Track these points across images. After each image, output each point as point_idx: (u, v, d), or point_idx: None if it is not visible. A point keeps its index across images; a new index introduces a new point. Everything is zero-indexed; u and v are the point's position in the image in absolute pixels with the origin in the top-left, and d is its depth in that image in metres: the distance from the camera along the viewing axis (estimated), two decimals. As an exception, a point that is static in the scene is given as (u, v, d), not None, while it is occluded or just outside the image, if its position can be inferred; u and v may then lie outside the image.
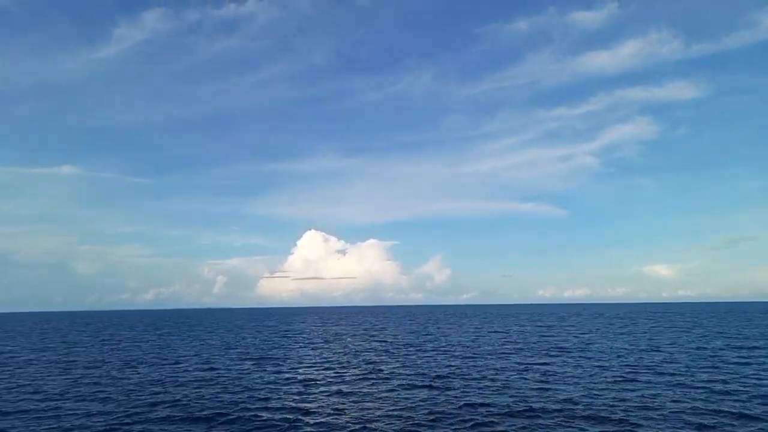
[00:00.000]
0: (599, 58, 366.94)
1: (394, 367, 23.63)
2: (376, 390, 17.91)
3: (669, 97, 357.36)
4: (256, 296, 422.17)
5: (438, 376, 20.50)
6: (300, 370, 23.33)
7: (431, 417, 13.73)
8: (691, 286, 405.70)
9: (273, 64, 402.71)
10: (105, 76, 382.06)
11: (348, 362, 26.26)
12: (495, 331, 50.84)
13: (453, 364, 24.71)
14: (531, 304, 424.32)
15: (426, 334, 47.80)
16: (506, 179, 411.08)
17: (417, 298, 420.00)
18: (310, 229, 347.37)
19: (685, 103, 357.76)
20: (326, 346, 37.19)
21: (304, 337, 47.26)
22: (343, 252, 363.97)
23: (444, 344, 36.31)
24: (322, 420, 13.74)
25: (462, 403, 15.43)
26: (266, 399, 16.87)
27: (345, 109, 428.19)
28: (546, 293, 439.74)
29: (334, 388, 18.57)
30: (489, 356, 27.77)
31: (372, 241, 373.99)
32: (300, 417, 14.12)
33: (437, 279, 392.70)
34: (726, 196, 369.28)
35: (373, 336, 47.16)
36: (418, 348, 33.71)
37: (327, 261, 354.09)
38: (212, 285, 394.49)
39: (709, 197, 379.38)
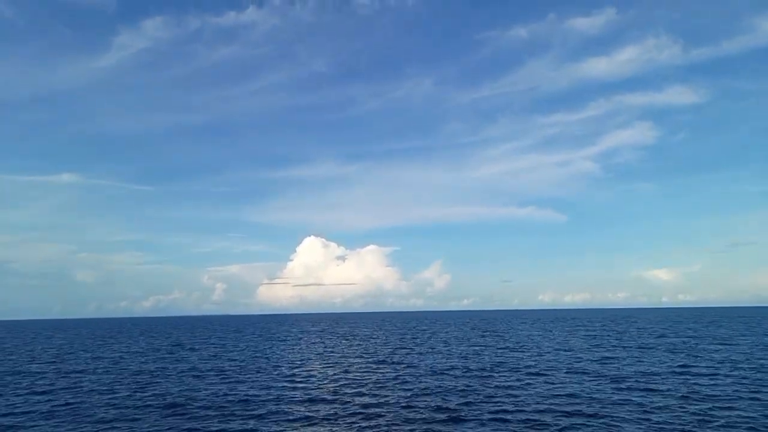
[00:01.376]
0: (599, 64, 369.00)
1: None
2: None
3: (668, 102, 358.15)
4: (255, 303, 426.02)
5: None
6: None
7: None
8: (691, 290, 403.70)
9: (273, 72, 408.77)
10: (105, 84, 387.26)
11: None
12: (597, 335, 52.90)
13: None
14: (531, 310, 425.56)
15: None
16: (506, 185, 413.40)
17: (417, 304, 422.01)
18: (309, 236, 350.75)
19: (684, 108, 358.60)
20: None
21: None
22: (342, 258, 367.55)
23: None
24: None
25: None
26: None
27: (345, 115, 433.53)
28: (546, 298, 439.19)
29: None
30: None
31: (372, 247, 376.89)
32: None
33: (437, 285, 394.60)
34: (726, 201, 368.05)
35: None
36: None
37: (327, 267, 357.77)
38: (212, 292, 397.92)
39: (709, 202, 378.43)
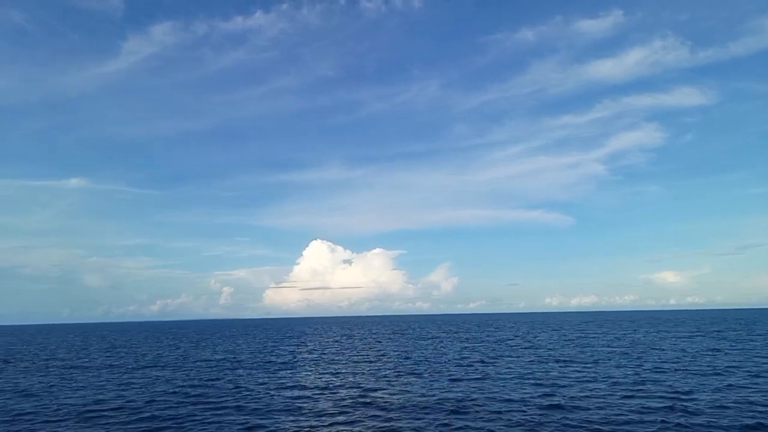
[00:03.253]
0: (605, 66, 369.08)
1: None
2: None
3: (676, 103, 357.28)
4: (262, 307, 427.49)
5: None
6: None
7: None
8: (699, 293, 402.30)
9: (280, 76, 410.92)
10: (114, 90, 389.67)
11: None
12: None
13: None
14: (538, 312, 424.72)
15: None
16: (513, 187, 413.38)
17: (424, 308, 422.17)
18: (316, 239, 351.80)
19: (691, 109, 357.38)
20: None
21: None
22: (349, 261, 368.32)
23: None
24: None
25: None
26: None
27: (351, 119, 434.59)
28: (553, 301, 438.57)
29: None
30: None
31: (378, 250, 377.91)
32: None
33: (444, 288, 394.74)
34: (734, 203, 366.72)
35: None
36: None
37: (333, 271, 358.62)
38: (219, 296, 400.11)
39: (717, 204, 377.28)
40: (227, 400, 18.75)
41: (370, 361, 31.83)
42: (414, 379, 23.26)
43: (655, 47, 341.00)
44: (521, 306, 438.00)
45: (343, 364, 31.08)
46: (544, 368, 25.65)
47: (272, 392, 20.47)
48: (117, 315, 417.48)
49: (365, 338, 60.76)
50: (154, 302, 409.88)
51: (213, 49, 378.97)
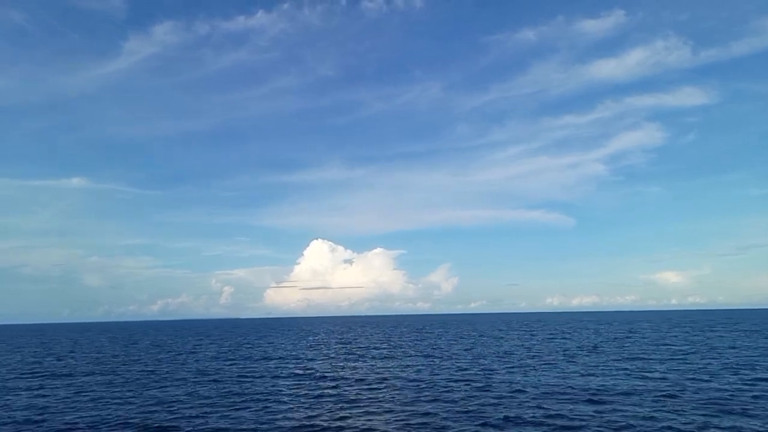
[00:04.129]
0: (607, 66, 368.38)
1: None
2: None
3: (677, 103, 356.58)
4: (263, 306, 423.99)
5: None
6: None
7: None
8: (700, 293, 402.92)
9: (281, 76, 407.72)
10: (115, 90, 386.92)
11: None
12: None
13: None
14: (539, 312, 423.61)
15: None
16: (514, 188, 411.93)
17: (424, 308, 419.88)
18: (316, 239, 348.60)
19: (693, 109, 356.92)
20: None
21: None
22: (349, 261, 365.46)
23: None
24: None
25: None
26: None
27: (352, 119, 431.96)
28: (554, 301, 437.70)
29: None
30: None
31: (379, 250, 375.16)
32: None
33: (444, 288, 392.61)
34: (735, 203, 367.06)
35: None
36: None
37: (334, 270, 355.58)
38: (219, 296, 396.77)
39: (718, 204, 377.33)
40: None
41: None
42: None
43: (656, 47, 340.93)
44: (522, 306, 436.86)
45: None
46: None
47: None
48: (117, 315, 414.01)
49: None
50: (155, 302, 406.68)
51: (214, 49, 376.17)
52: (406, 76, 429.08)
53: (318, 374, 25.47)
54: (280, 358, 35.14)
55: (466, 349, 38.20)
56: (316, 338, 61.95)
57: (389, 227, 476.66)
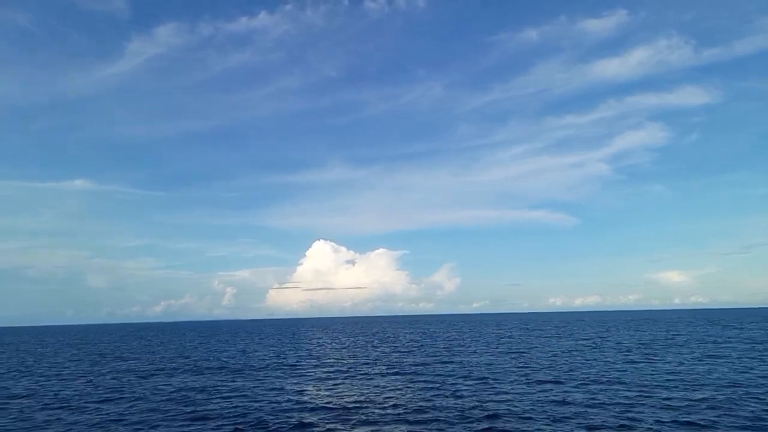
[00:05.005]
0: (610, 66, 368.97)
1: None
2: None
3: (680, 103, 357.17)
4: (266, 307, 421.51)
5: None
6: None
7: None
8: (703, 292, 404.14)
9: (284, 77, 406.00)
10: (118, 91, 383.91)
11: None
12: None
13: None
14: (542, 313, 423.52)
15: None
16: (516, 187, 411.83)
17: (427, 308, 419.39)
18: (319, 240, 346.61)
19: (696, 108, 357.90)
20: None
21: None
22: (352, 262, 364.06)
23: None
24: None
25: None
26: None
27: (355, 120, 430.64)
28: (557, 301, 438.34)
29: None
30: None
31: (381, 250, 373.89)
32: None
33: (447, 288, 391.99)
34: (738, 202, 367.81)
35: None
36: None
37: (336, 271, 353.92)
38: (222, 297, 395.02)
39: (722, 203, 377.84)
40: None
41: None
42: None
43: (659, 46, 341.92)
44: (524, 306, 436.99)
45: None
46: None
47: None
48: (121, 316, 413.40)
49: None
50: (158, 303, 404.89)
51: (217, 51, 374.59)
52: (409, 76, 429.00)
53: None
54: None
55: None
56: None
57: (392, 227, 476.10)
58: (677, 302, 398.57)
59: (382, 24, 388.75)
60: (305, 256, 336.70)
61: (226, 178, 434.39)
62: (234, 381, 22.93)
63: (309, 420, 14.54)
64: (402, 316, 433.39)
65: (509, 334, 59.07)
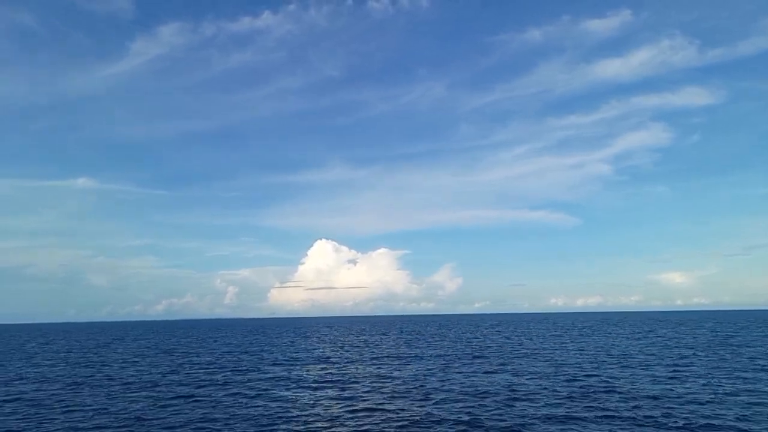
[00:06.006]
0: (612, 66, 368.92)
1: None
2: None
3: (683, 103, 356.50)
4: (267, 306, 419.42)
5: None
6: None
7: None
8: (706, 294, 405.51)
9: (286, 77, 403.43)
10: (121, 90, 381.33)
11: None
12: None
13: None
14: (543, 313, 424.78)
15: None
16: (518, 188, 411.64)
17: (428, 308, 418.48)
18: (320, 239, 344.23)
19: (699, 109, 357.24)
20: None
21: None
22: (353, 261, 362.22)
23: None
24: None
25: None
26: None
27: (356, 119, 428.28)
28: (558, 302, 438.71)
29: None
30: None
31: (382, 250, 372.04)
32: None
33: (448, 288, 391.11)
34: (741, 203, 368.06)
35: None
36: None
37: (338, 270, 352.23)
38: (224, 296, 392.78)
39: (724, 204, 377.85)
40: None
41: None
42: None
43: (662, 47, 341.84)
44: (525, 306, 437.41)
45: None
46: None
47: None
48: (123, 315, 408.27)
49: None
50: (160, 302, 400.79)
51: (220, 50, 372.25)
52: (410, 76, 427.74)
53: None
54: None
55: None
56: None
57: (393, 227, 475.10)
58: (679, 303, 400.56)
59: (385, 24, 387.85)
60: (306, 255, 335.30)
61: (228, 177, 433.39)
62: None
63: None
64: (402, 315, 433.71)
65: (590, 335, 58.97)
